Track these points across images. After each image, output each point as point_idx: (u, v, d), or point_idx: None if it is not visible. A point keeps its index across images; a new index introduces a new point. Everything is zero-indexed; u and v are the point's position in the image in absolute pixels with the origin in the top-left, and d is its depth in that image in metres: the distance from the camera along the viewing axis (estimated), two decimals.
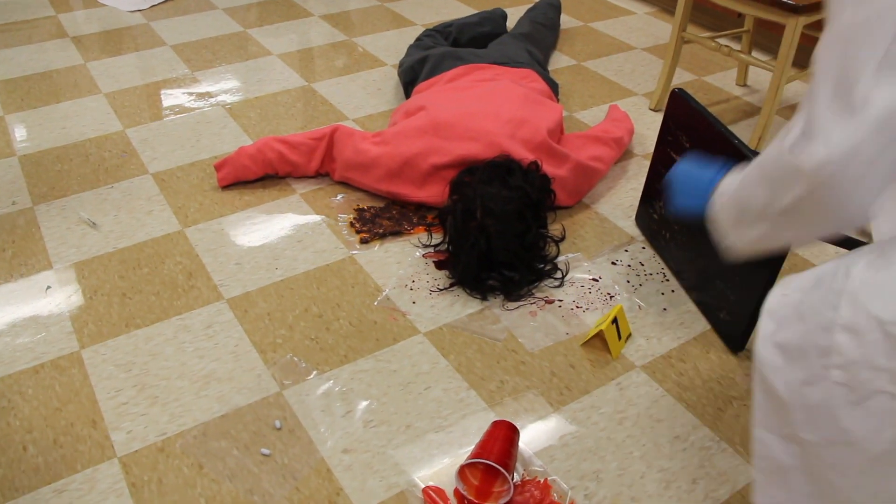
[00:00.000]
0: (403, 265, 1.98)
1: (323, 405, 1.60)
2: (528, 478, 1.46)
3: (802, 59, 3.00)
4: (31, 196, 2.22)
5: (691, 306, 1.88)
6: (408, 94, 2.68)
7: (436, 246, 2.03)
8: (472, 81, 2.40)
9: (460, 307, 1.86)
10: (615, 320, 1.73)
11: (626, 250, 2.06)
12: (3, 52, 3.10)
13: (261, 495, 1.42)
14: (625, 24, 3.50)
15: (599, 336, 1.77)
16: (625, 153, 2.47)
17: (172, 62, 3.04)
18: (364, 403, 1.61)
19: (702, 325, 1.83)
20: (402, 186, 2.12)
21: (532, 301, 1.88)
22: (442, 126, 2.11)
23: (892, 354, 0.82)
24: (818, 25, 2.66)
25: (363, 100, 2.78)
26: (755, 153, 1.67)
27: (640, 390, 1.65)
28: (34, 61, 3.03)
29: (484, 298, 1.89)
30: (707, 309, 1.84)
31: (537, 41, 2.96)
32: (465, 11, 3.57)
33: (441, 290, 1.91)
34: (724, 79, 3.01)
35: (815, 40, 2.91)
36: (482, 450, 1.41)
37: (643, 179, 2.33)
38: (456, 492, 1.42)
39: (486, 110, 2.16)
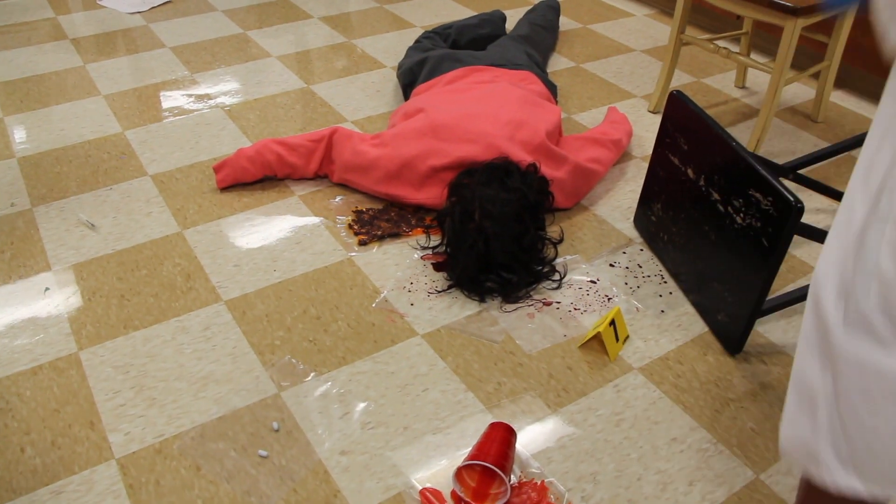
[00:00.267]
0: (402, 267, 1.99)
1: (321, 407, 1.60)
2: (525, 480, 1.46)
3: (801, 61, 3.01)
4: (29, 197, 2.22)
5: (689, 308, 1.89)
6: (407, 96, 2.68)
7: (434, 248, 2.03)
8: (470, 83, 2.41)
9: (458, 309, 1.86)
10: (613, 322, 1.74)
11: (625, 252, 2.06)
12: (3, 54, 3.10)
13: (258, 497, 1.42)
14: (624, 26, 3.51)
15: (597, 338, 1.77)
16: (623, 155, 2.47)
17: (172, 64, 3.04)
18: (362, 405, 1.61)
19: (699, 327, 1.83)
20: (401, 188, 2.13)
21: (530, 303, 1.89)
22: (441, 128, 2.11)
23: None
24: (816, 27, 2.66)
25: (362, 102, 2.79)
26: (753, 156, 1.68)
27: (637, 392, 1.66)
28: (33, 63, 3.03)
29: (482, 300, 1.89)
30: (705, 311, 1.84)
31: (536, 43, 2.96)
32: (465, 13, 3.57)
33: (439, 291, 1.91)
34: (722, 81, 3.01)
35: (813, 43, 2.91)
36: (479, 451, 1.41)
37: (642, 181, 2.33)
38: (453, 493, 1.42)
39: (485, 112, 2.16)
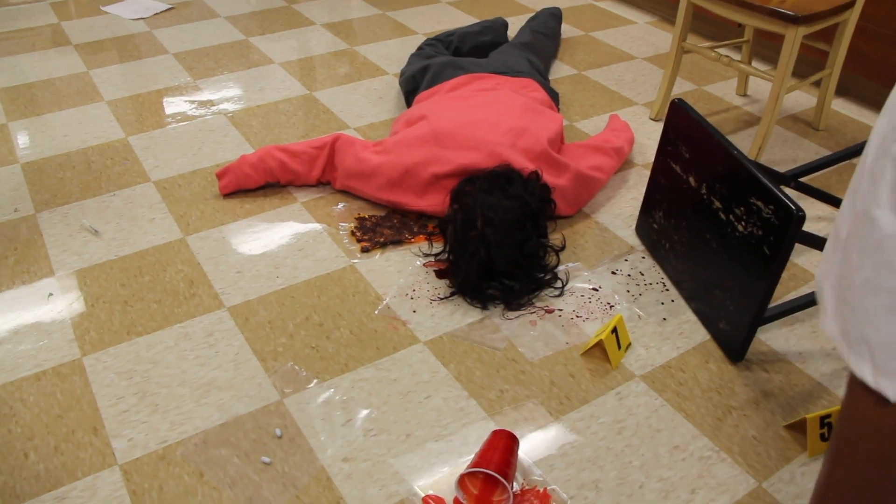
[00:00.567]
0: (404, 274, 1.99)
1: (323, 414, 1.60)
2: (527, 487, 1.46)
3: (802, 69, 3.01)
4: (33, 203, 2.23)
5: (691, 316, 1.89)
6: (409, 103, 2.69)
7: (436, 255, 2.04)
8: (472, 91, 2.41)
9: (461, 316, 1.87)
10: (615, 330, 1.74)
11: (626, 260, 2.07)
12: (7, 60, 3.11)
13: (261, 503, 1.42)
14: (625, 34, 3.52)
15: (599, 345, 1.77)
16: (625, 163, 2.48)
17: (175, 70, 3.05)
18: (364, 412, 1.61)
19: (701, 334, 1.84)
20: (403, 195, 2.13)
21: (532, 310, 1.89)
22: (443, 135, 2.12)
23: None
24: (817, 36, 2.67)
25: (364, 108, 2.79)
26: (754, 164, 1.68)
27: (639, 400, 1.66)
28: (37, 69, 3.04)
29: (484, 307, 1.89)
30: (706, 319, 1.85)
31: (538, 50, 2.97)
32: (467, 20, 3.59)
33: (441, 298, 1.92)
34: (724, 88, 3.02)
35: (814, 51, 2.92)
36: (482, 459, 1.41)
37: (643, 189, 2.34)
38: (455, 501, 1.42)
39: (487, 120, 2.16)
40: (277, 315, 1.85)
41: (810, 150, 2.60)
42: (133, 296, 1.91)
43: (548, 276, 1.95)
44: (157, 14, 3.60)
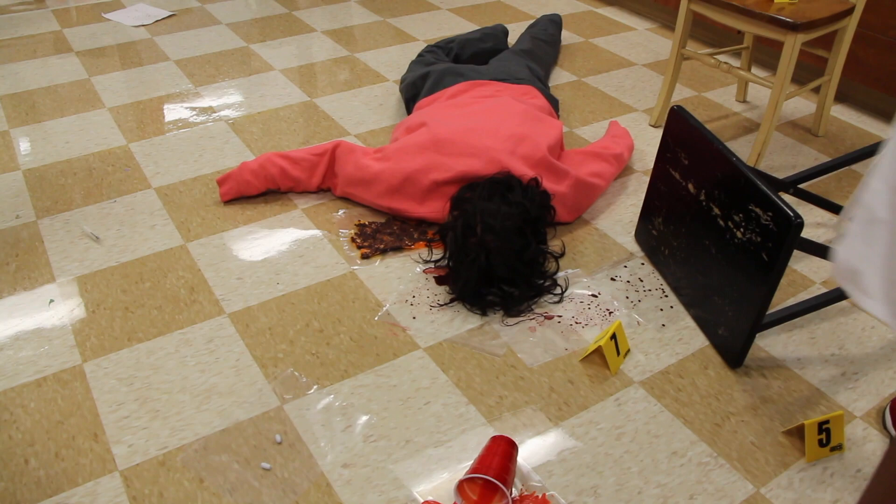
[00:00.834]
0: (404, 280, 2.00)
1: (323, 420, 1.61)
2: (526, 493, 1.46)
3: (801, 76, 3.03)
4: (34, 210, 2.24)
5: (690, 322, 1.89)
6: (409, 110, 2.70)
7: (436, 261, 2.04)
8: (473, 98, 2.42)
9: (460, 322, 1.87)
10: (614, 336, 1.75)
11: (626, 266, 2.07)
12: (8, 67, 3.12)
13: None
14: (625, 41, 3.53)
15: (598, 352, 1.78)
16: (625, 169, 2.48)
17: (176, 77, 3.06)
18: (364, 418, 1.61)
19: (700, 340, 1.84)
20: (403, 202, 2.14)
21: (531, 317, 1.90)
22: (443, 142, 2.12)
23: None
24: (816, 42, 2.68)
25: (365, 115, 2.80)
26: (753, 171, 1.69)
27: (638, 406, 1.66)
28: (39, 75, 3.05)
29: (484, 314, 1.90)
30: (705, 325, 1.85)
31: (538, 57, 2.98)
32: (467, 27, 3.60)
33: (441, 305, 1.92)
34: (723, 95, 3.03)
35: (813, 57, 2.93)
36: (481, 465, 1.41)
37: (643, 196, 2.34)
38: None
39: (487, 127, 2.17)
40: (278, 321, 1.86)
41: (809, 157, 2.61)
42: (134, 302, 1.91)
43: (547, 283, 1.96)
44: (158, 21, 3.62)
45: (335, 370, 1.73)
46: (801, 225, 1.52)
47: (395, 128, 2.44)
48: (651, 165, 2.51)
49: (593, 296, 1.97)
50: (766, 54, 3.22)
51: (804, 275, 2.06)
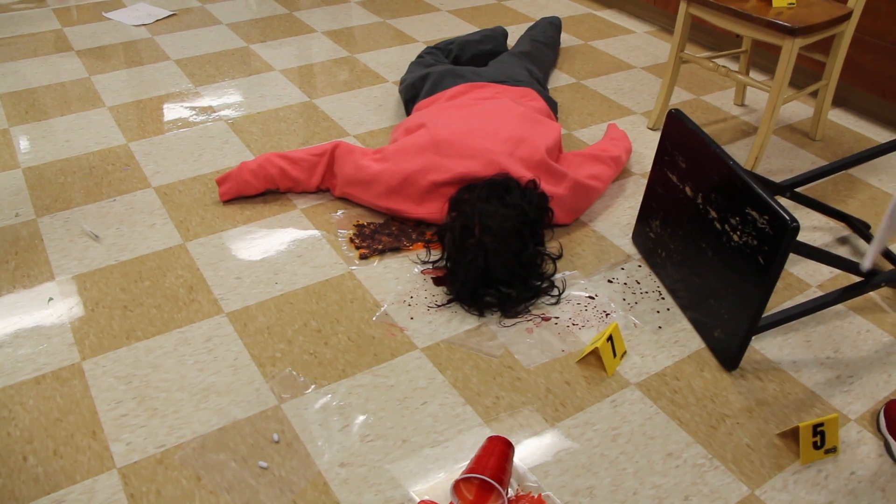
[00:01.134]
0: (402, 281, 2.01)
1: (320, 419, 1.61)
2: (522, 493, 1.47)
3: (799, 80, 3.04)
4: (34, 208, 2.25)
5: (686, 324, 1.90)
6: (408, 111, 2.71)
7: (434, 262, 2.05)
8: (472, 99, 2.43)
9: (458, 323, 1.88)
10: (610, 338, 1.75)
11: (623, 268, 2.08)
12: (9, 65, 3.13)
13: None
14: (625, 43, 3.54)
15: (595, 353, 1.79)
16: (623, 172, 2.49)
17: (176, 76, 3.07)
18: (361, 418, 1.62)
19: (696, 343, 1.85)
20: (402, 203, 2.15)
21: (529, 318, 1.90)
22: (442, 144, 2.13)
23: None
24: (814, 47, 2.69)
25: (364, 116, 2.81)
26: (750, 175, 1.70)
27: (634, 407, 1.67)
28: (39, 74, 3.06)
29: (481, 315, 1.91)
30: (701, 327, 1.86)
31: (537, 59, 2.99)
32: (467, 29, 3.61)
33: (439, 306, 1.93)
34: (721, 98, 3.04)
35: (811, 62, 2.94)
36: (477, 465, 1.42)
37: (640, 198, 2.35)
38: None
39: (486, 128, 2.18)
40: (276, 321, 1.87)
41: (807, 160, 2.62)
42: (133, 301, 1.92)
43: (545, 284, 1.97)
44: (158, 20, 3.62)
45: (333, 370, 1.74)
46: (797, 228, 1.52)
47: (395, 129, 2.44)
48: (649, 168, 2.51)
49: (590, 298, 1.97)
50: (764, 58, 3.23)
51: (800, 278, 2.07)
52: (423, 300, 1.95)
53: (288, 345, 1.80)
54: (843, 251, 2.17)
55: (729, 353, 1.76)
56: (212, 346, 1.79)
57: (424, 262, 2.07)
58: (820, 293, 2.02)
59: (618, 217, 2.28)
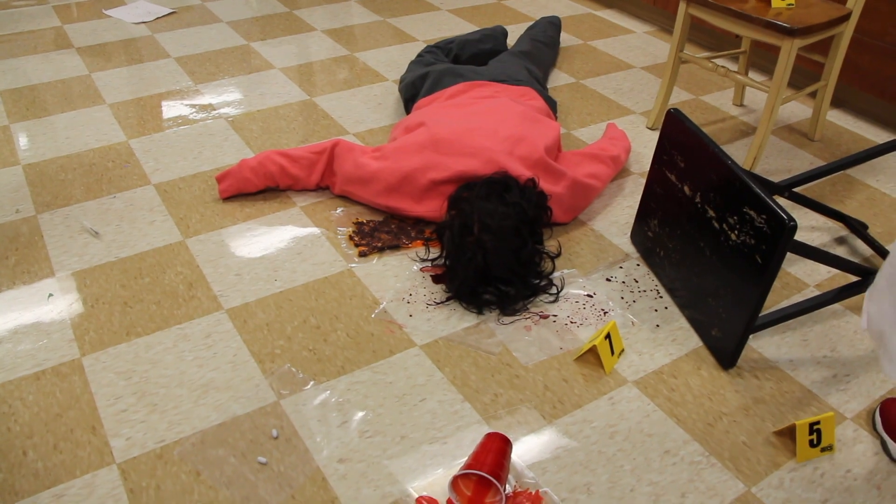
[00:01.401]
0: (401, 278, 2.01)
1: (319, 415, 1.62)
2: (519, 489, 1.48)
3: (798, 80, 3.04)
4: (34, 204, 2.25)
5: (684, 323, 1.91)
6: (408, 110, 2.71)
7: (433, 260, 2.06)
8: (471, 98, 2.44)
9: (456, 321, 1.89)
10: (608, 336, 1.76)
11: (621, 267, 2.09)
12: (9, 62, 3.13)
13: (257, 503, 1.44)
14: (624, 43, 3.54)
15: (593, 351, 1.79)
16: (621, 171, 2.50)
17: (176, 74, 3.07)
18: (360, 414, 1.63)
19: (694, 341, 1.86)
20: (401, 201, 2.15)
21: (527, 316, 1.91)
22: (441, 142, 2.14)
23: None
24: (813, 48, 2.70)
25: (364, 114, 2.82)
26: (748, 174, 1.70)
27: (631, 405, 1.68)
28: (39, 71, 3.06)
29: (480, 312, 1.91)
30: (699, 326, 1.87)
31: (537, 59, 3.00)
32: (467, 28, 3.61)
33: (438, 303, 1.94)
34: (720, 98, 3.04)
35: (810, 62, 2.95)
36: (475, 461, 1.43)
37: (639, 197, 2.36)
38: (448, 502, 1.44)
39: (485, 127, 2.19)
40: (275, 317, 1.87)
41: (805, 161, 2.63)
42: (132, 297, 1.92)
43: (543, 283, 1.97)
44: (159, 18, 3.63)
45: (332, 366, 1.74)
46: (794, 228, 1.53)
47: (394, 127, 2.45)
48: (647, 167, 2.52)
49: (589, 296, 1.98)
50: (763, 58, 3.24)
51: (797, 277, 2.08)
52: (421, 298, 1.95)
53: (287, 341, 1.81)
54: (840, 251, 2.18)
55: (726, 352, 1.76)
56: (211, 342, 1.80)
57: (423, 260, 2.07)
58: (817, 292, 2.02)
59: (616, 216, 2.29)
